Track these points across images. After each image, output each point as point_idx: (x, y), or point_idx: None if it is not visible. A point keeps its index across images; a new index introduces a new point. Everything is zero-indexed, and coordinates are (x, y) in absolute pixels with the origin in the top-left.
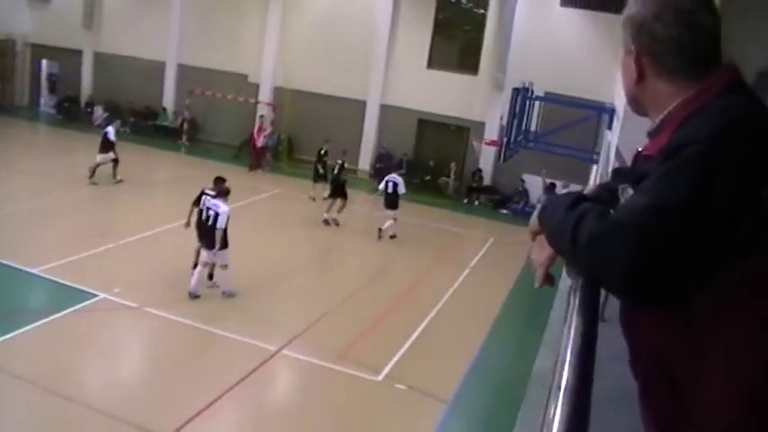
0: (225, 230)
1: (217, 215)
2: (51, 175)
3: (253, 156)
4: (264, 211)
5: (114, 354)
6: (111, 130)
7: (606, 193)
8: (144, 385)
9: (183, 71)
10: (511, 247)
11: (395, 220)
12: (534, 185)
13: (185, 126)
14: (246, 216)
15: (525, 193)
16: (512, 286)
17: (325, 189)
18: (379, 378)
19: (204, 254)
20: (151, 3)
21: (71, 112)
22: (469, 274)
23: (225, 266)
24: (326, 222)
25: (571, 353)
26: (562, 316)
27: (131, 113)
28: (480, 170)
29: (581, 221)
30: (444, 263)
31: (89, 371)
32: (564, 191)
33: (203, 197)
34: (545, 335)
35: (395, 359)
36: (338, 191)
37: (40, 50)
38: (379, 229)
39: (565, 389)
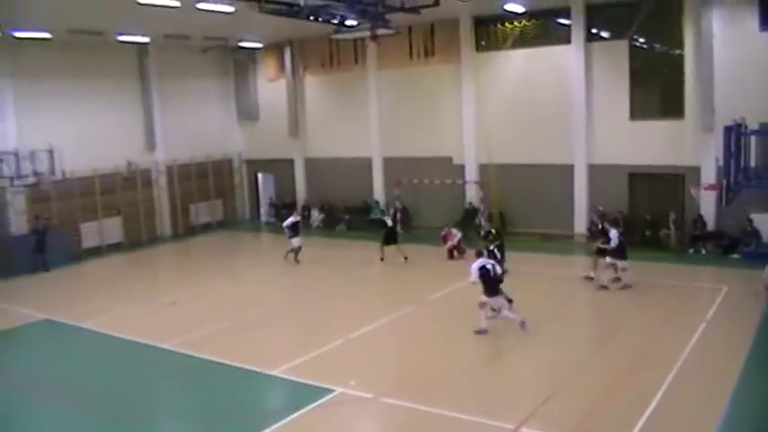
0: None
1: (495, 269)
2: (276, 281)
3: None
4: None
5: None
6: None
7: None
8: None
9: (389, 163)
10: (749, 294)
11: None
12: (765, 224)
13: (398, 216)
14: (452, 301)
15: (756, 233)
16: (754, 336)
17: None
18: None
19: (490, 299)
20: (349, 103)
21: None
22: (706, 328)
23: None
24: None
25: None
26: None
27: (346, 211)
28: (702, 216)
29: None
30: (676, 320)
31: None
32: None
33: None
34: None
35: (636, 430)
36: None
37: (254, 165)
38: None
39: None
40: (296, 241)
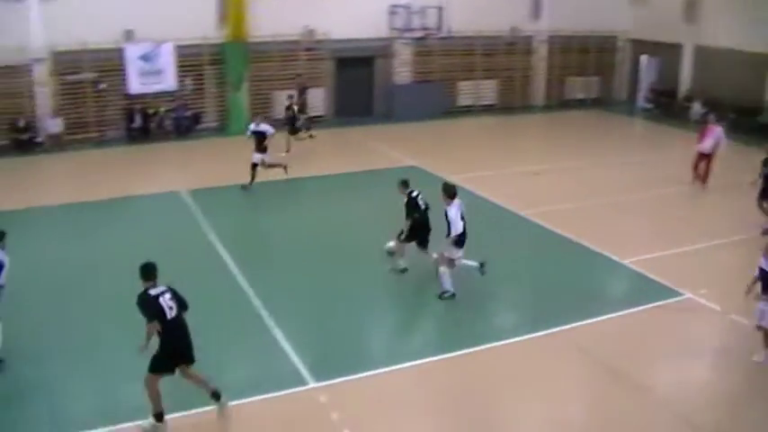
0: None
1: None
2: (645, 170)
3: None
4: None
5: (686, 352)
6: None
7: None
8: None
9: None
10: None
11: None
12: None
13: None
14: None
15: None
16: None
17: None
18: None
19: None
20: None
21: (667, 107)
22: None
23: None
24: None
25: None
26: None
27: (732, 110)
28: None
29: None
30: None
31: (660, 365)
32: None
33: None
34: None
35: None
36: None
37: (639, 46)
38: None
39: None
40: (263, 157)
